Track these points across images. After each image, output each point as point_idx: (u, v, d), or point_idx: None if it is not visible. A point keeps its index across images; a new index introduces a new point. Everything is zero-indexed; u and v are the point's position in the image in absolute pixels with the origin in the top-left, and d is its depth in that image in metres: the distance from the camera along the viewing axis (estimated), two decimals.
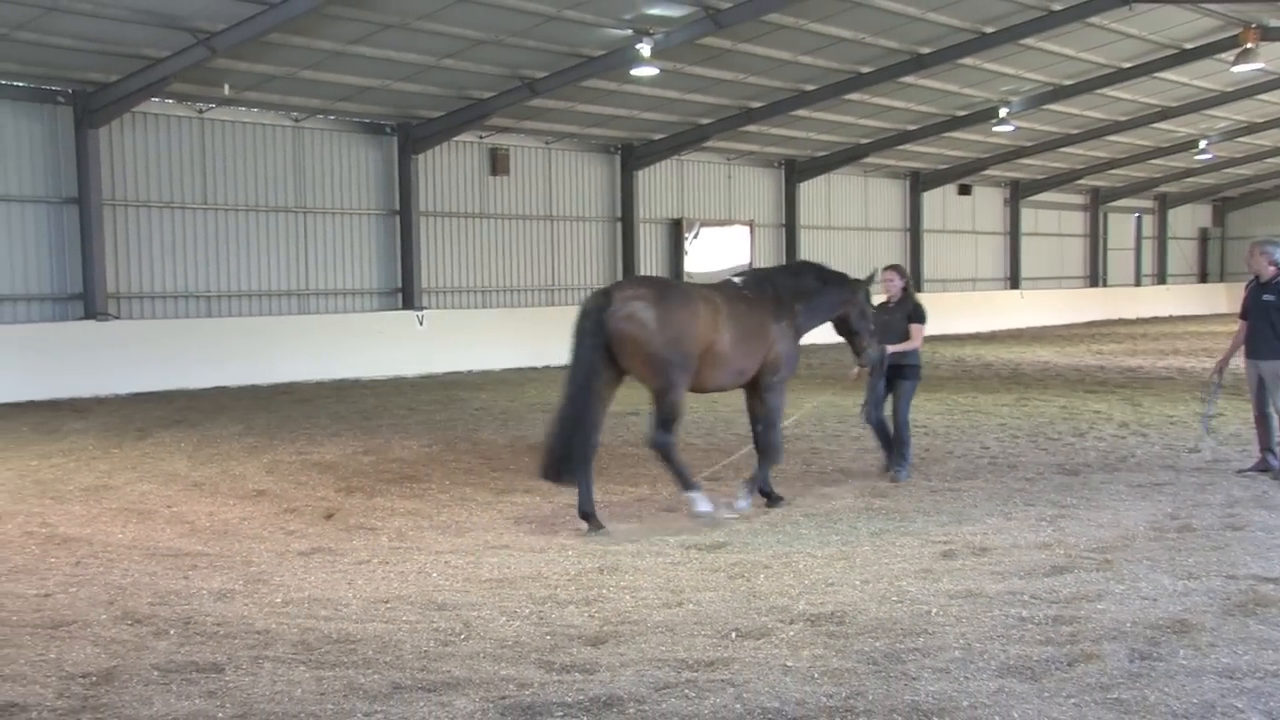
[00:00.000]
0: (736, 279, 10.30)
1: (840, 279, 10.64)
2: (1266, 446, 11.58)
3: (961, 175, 40.83)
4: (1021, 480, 11.47)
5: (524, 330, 27.51)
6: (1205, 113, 35.79)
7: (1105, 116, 35.42)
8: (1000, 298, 42.50)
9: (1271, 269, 11.37)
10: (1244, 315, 11.62)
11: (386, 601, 7.46)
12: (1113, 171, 44.62)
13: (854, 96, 28.77)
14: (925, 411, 15.69)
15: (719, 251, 33.67)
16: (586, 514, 9.49)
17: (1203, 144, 40.32)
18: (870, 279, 11.05)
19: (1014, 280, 44.64)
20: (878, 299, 11.51)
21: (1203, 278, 56.57)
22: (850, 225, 38.63)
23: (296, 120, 24.87)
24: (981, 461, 12.56)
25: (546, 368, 26.36)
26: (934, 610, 7.01)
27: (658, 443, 9.48)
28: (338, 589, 7.80)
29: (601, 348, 9.22)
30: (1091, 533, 9.05)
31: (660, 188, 32.46)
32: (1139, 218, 52.72)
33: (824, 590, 7.55)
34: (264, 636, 6.71)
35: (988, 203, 44.37)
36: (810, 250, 36.59)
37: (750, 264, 33.47)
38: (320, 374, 23.20)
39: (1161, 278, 53.50)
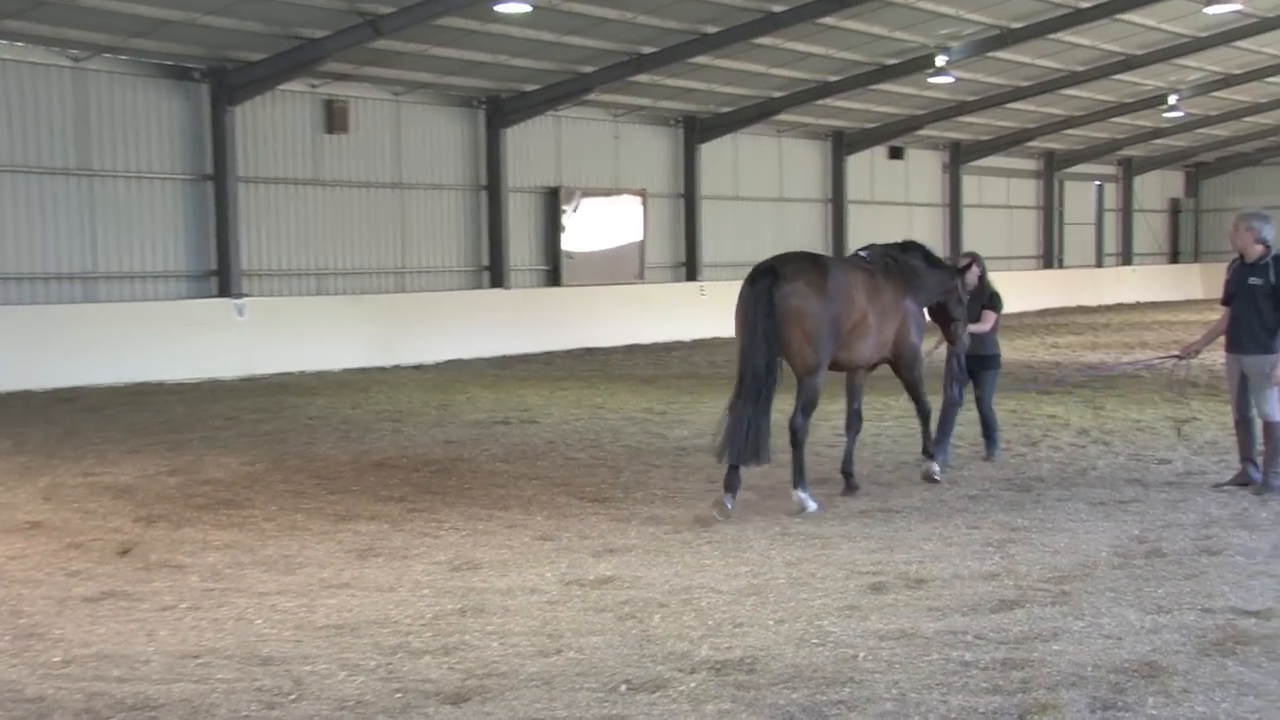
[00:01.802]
0: (863, 253, 12.29)
1: (941, 263, 12.80)
2: (1247, 456, 11.90)
3: (892, 136, 41.41)
4: (964, 498, 11.67)
5: (369, 322, 27.26)
6: (1175, 62, 36.75)
7: (1060, 66, 36.20)
8: None
9: (1259, 247, 11.61)
10: (1226, 301, 11.91)
11: (197, 656, 7.34)
12: (1069, 132, 45.63)
13: (765, 41, 28.99)
14: None
15: (604, 226, 33.72)
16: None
17: (1172, 99, 41.42)
18: (968, 267, 13.28)
19: (954, 260, 45.44)
20: None
21: (1174, 257, 58.16)
22: (761, 195, 38.97)
23: (77, 60, 24.30)
24: (917, 476, 12.74)
25: (397, 367, 26.15)
26: (861, 654, 7.10)
27: (797, 424, 11.16)
28: (134, 642, 7.65)
29: (773, 325, 10.89)
30: (1046, 560, 9.24)
31: (533, 150, 32.38)
32: (1100, 186, 54.02)
33: (731, 632, 7.60)
34: (38, 705, 6.55)
35: (923, 168, 45.11)
36: (714, 224, 36.86)
37: (664, 238, 33.58)
38: (113, 376, 22.71)
39: (1126, 257, 54.88)
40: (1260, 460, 11.75)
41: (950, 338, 12.97)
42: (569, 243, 32.92)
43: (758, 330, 10.88)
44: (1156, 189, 56.81)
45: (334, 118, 27.97)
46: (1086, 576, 8.73)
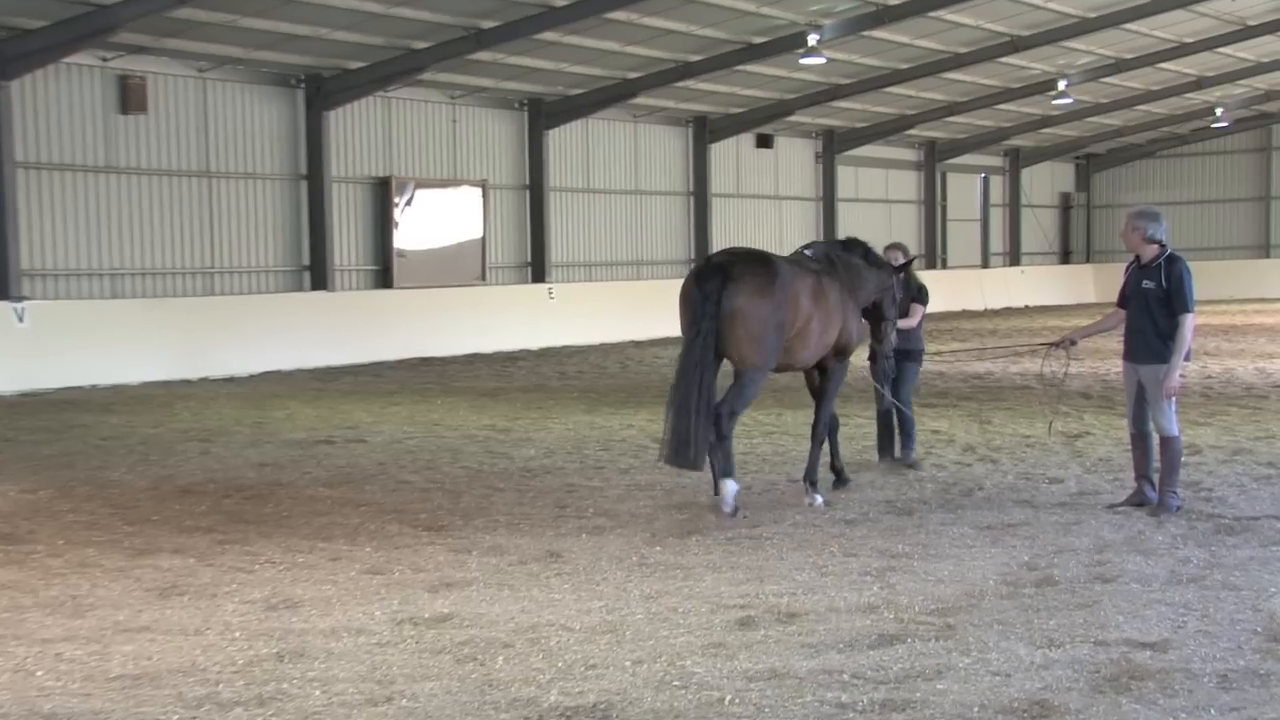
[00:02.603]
0: (807, 251, 13.22)
1: (881, 262, 13.65)
2: (1143, 474, 12.20)
3: (760, 122, 41.80)
4: (840, 523, 11.79)
5: (172, 329, 26.87)
6: (1064, 45, 37.67)
7: (942, 48, 36.88)
8: None
9: (1151, 247, 11.92)
10: (1121, 303, 12.25)
11: None
12: (952, 120, 46.49)
13: (619, 15, 29.13)
14: None
15: (441, 221, 33.58)
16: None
17: (1062, 84, 42.41)
18: (906, 265, 14.13)
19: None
20: None
21: (1065, 257, 59.54)
22: (616, 188, 39.09)
23: None
24: (788, 498, 12.87)
25: (205, 380, 25.77)
26: (728, 697, 7.14)
27: (733, 413, 12.12)
28: None
29: (717, 326, 11.80)
30: (929, 590, 9.38)
31: (360, 135, 32.19)
32: (985, 179, 55.14)
33: (583, 675, 7.61)
34: None
35: (794, 158, 45.64)
36: (564, 219, 36.92)
37: (504, 233, 33.51)
38: None
39: (1014, 257, 56.07)
40: (1156, 478, 12.07)
41: (878, 337, 13.88)
42: (401, 240, 32.74)
43: (700, 331, 11.77)
44: (1046, 182, 58.12)
45: (129, 96, 27.52)
46: (973, 608, 8.88)
